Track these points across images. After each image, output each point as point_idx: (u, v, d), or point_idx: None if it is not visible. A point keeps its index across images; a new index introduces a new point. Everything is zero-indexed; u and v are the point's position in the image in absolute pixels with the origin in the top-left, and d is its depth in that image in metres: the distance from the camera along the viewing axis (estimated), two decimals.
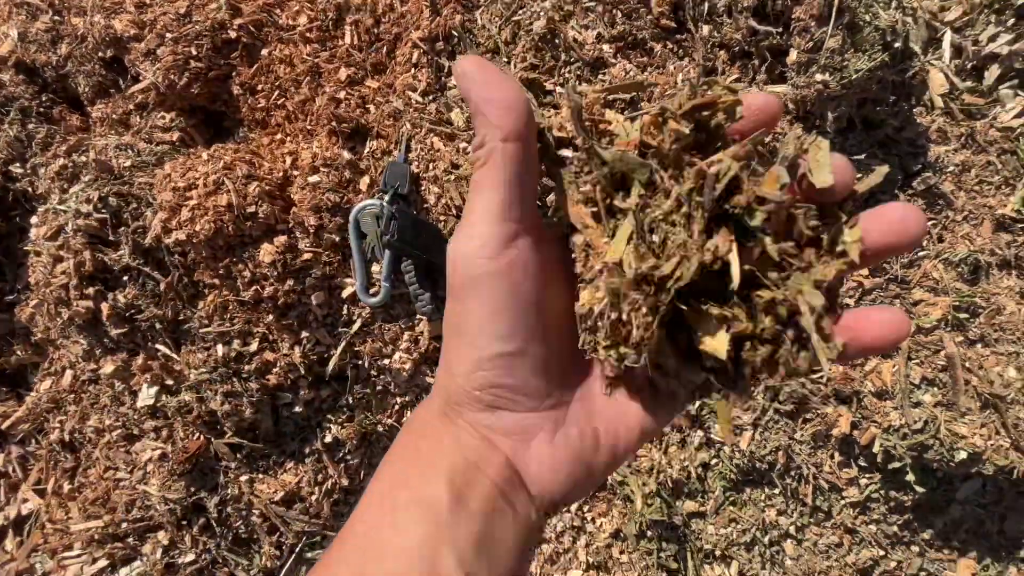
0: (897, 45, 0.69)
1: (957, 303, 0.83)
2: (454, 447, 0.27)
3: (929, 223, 0.85)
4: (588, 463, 0.28)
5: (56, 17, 0.92)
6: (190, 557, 0.83)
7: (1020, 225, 0.91)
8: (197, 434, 0.80)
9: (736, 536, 0.97)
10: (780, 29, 0.69)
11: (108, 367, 0.79)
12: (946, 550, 1.05)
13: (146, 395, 0.79)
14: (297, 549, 0.88)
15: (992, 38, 0.90)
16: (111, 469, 0.84)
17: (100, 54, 0.86)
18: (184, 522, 0.83)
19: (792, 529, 0.99)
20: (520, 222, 0.26)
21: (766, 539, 0.98)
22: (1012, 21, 0.89)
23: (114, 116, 0.86)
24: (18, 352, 0.93)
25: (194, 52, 0.82)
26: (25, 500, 0.88)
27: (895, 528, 1.01)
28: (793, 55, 0.68)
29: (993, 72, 0.91)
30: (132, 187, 0.77)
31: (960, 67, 0.92)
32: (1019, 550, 1.06)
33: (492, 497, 0.26)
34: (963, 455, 0.81)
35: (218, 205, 0.70)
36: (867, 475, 0.96)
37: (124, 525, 0.82)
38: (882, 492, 0.97)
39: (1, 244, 0.88)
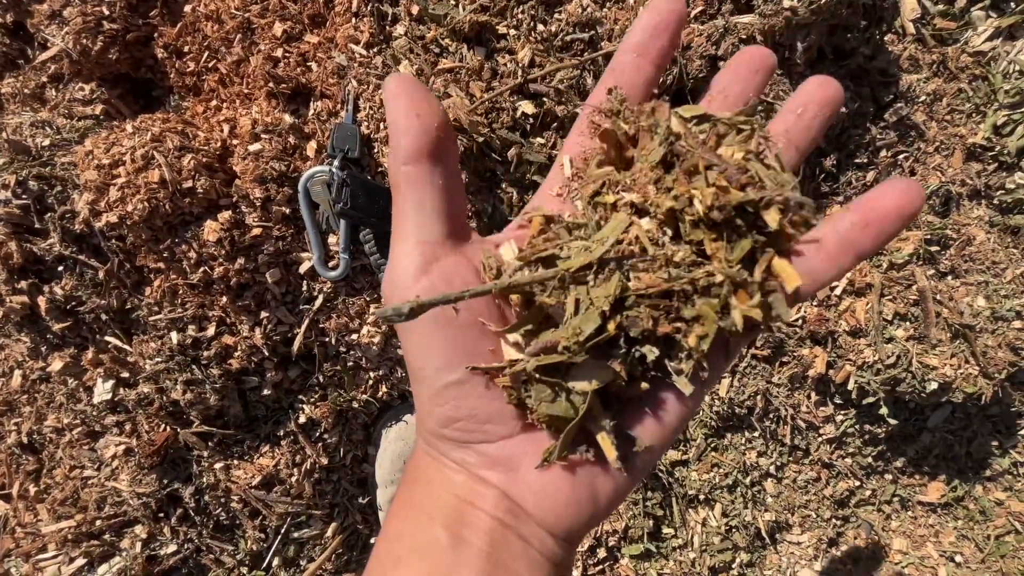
0: None
1: (928, 236, 0.83)
2: (444, 488, 0.26)
3: (901, 156, 0.83)
4: (590, 483, 0.26)
5: None
6: (172, 548, 0.82)
7: (990, 153, 0.90)
8: (163, 426, 0.77)
9: (719, 480, 0.99)
10: None
11: (56, 364, 0.75)
12: (917, 475, 1.10)
13: (102, 390, 0.75)
14: (283, 530, 0.87)
15: None
16: (76, 468, 0.81)
17: (1, 21, 0.76)
18: (161, 514, 0.81)
19: (772, 469, 1.02)
20: (440, 241, 0.25)
21: (747, 480, 1.01)
22: None
23: (26, 91, 0.78)
24: None
25: (106, 12, 0.74)
26: None
27: (869, 459, 1.04)
28: None
29: (968, 10, 0.88)
30: (54, 168, 0.70)
31: None
32: (985, 470, 1.11)
33: (492, 530, 0.25)
34: (934, 385, 0.83)
35: (150, 182, 0.64)
36: (842, 412, 0.98)
37: (98, 523, 0.80)
38: (857, 427, 1.00)
39: None
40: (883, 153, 0.82)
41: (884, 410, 0.90)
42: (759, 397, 0.93)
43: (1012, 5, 0.88)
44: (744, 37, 0.65)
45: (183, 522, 0.82)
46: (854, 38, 0.70)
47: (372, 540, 0.98)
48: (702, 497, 1.00)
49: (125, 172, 0.64)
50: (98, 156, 0.65)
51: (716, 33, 0.65)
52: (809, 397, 0.96)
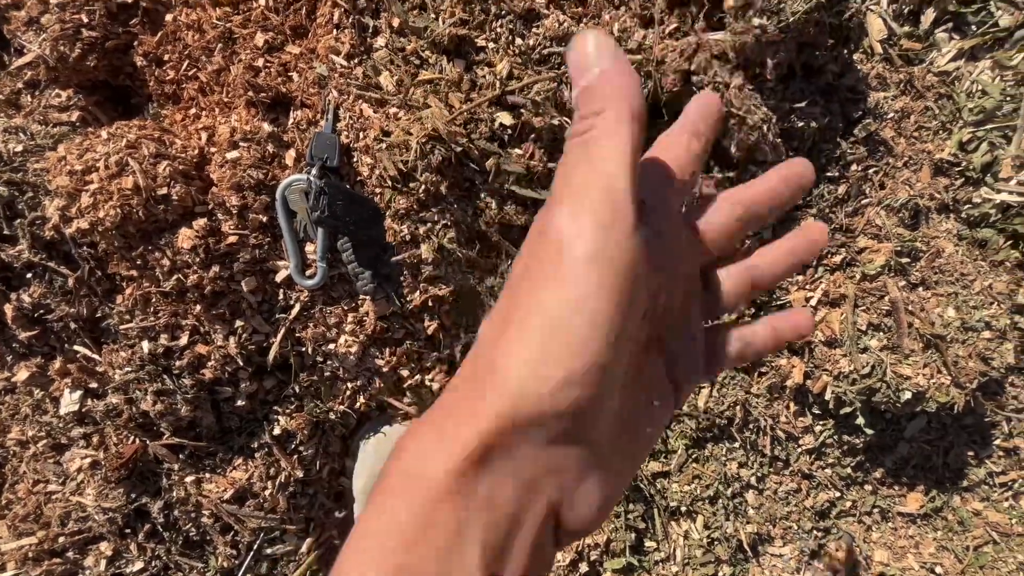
0: None
1: (899, 248, 0.85)
2: (488, 504, 0.20)
3: (871, 170, 0.85)
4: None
5: None
6: (138, 566, 0.79)
7: (957, 169, 0.92)
8: (131, 438, 0.75)
9: (700, 491, 0.99)
10: None
11: (22, 373, 0.73)
12: (896, 486, 1.11)
13: (69, 401, 0.73)
14: (255, 546, 0.84)
15: None
16: (40, 482, 0.78)
17: None
18: (127, 530, 0.78)
19: (753, 480, 1.02)
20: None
21: (729, 491, 1.00)
22: None
23: (0, 96, 0.77)
24: None
25: (85, 19, 0.74)
26: None
27: (848, 470, 1.05)
28: (729, 0, 0.65)
29: (929, 16, 0.91)
30: (26, 174, 0.69)
31: (897, 11, 0.92)
32: (962, 480, 1.12)
33: (530, 551, 0.21)
34: (908, 395, 0.84)
35: (123, 188, 0.64)
36: (821, 422, 0.98)
37: (61, 539, 0.77)
38: (835, 437, 1.00)
39: None
40: (853, 167, 0.84)
41: (861, 420, 0.91)
42: (738, 408, 0.93)
43: (973, 28, 0.92)
44: (716, 53, 0.67)
45: (151, 538, 0.79)
46: (822, 56, 0.72)
47: None
48: (684, 509, 1.00)
49: (98, 178, 0.64)
50: (71, 162, 0.64)
51: (689, 49, 0.67)
52: (788, 408, 0.96)
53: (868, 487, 1.09)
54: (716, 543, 1.02)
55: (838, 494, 1.07)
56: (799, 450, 1.00)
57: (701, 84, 0.67)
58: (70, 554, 0.77)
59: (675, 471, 0.98)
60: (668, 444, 0.97)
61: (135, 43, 0.78)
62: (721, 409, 0.93)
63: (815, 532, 1.07)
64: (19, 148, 0.71)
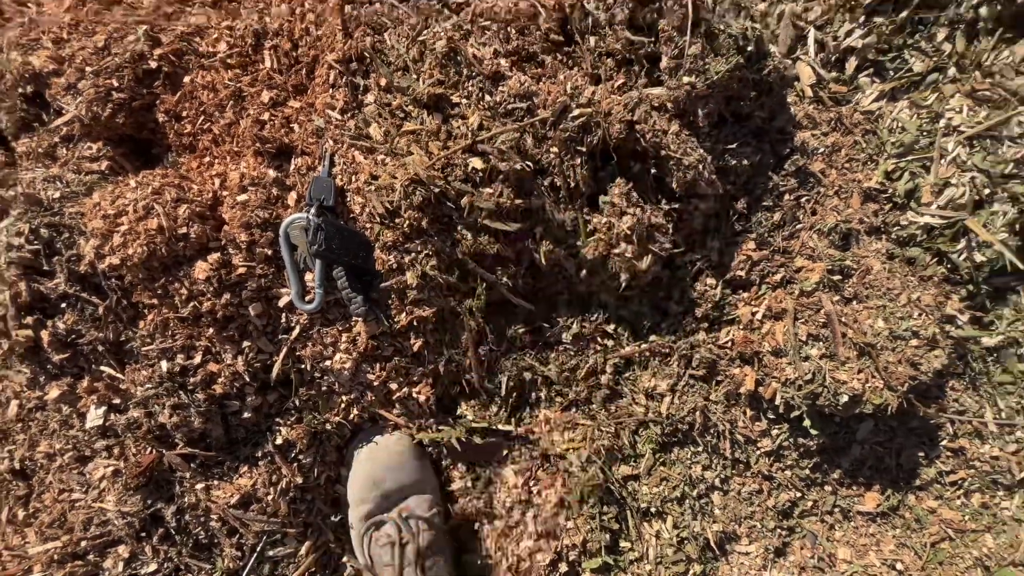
0: (750, 48, 0.80)
1: (831, 267, 0.96)
2: None
3: (803, 199, 0.97)
4: None
5: None
6: (152, 567, 0.87)
7: (884, 195, 1.04)
8: (149, 448, 0.84)
9: (668, 493, 1.07)
10: (652, 39, 0.78)
11: (54, 392, 0.82)
12: (854, 486, 1.19)
13: (94, 416, 0.82)
14: (258, 548, 0.92)
15: (848, 34, 1.03)
16: (65, 491, 0.87)
17: (20, 90, 0.88)
18: (143, 534, 0.87)
19: (717, 481, 1.10)
20: None
21: (694, 493, 1.09)
22: (863, 18, 1.03)
23: (40, 149, 0.89)
24: None
25: (116, 84, 0.86)
26: None
27: (807, 471, 1.13)
28: (664, 61, 0.77)
29: (852, 63, 1.04)
30: (63, 217, 0.80)
31: (825, 60, 1.05)
32: (915, 480, 1.20)
33: None
34: (845, 398, 0.94)
35: (149, 229, 0.74)
36: (776, 426, 1.07)
37: (83, 543, 0.85)
38: (791, 440, 1.09)
39: None
40: (786, 197, 0.95)
41: (807, 422, 1.00)
42: (698, 413, 1.03)
43: (891, 72, 1.05)
44: (655, 105, 0.79)
45: (164, 541, 0.88)
46: (748, 105, 0.84)
47: (344, 559, 1.04)
48: (654, 510, 1.08)
49: (128, 221, 0.75)
50: (104, 207, 0.75)
51: (632, 102, 0.79)
52: (744, 413, 1.06)
53: (828, 488, 1.17)
54: (686, 542, 1.10)
55: (799, 494, 1.15)
56: (758, 453, 1.09)
57: (643, 132, 0.79)
58: (91, 557, 0.86)
59: (644, 474, 1.07)
60: (637, 448, 1.06)
61: (157, 102, 0.90)
62: (682, 415, 1.03)
63: (779, 531, 1.15)
64: (57, 195, 0.82)
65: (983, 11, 0.96)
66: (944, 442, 1.19)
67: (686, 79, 0.76)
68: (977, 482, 1.20)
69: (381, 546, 0.95)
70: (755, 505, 1.13)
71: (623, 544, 1.10)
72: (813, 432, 1.02)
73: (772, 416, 1.06)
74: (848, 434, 1.14)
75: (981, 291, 1.07)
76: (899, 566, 1.20)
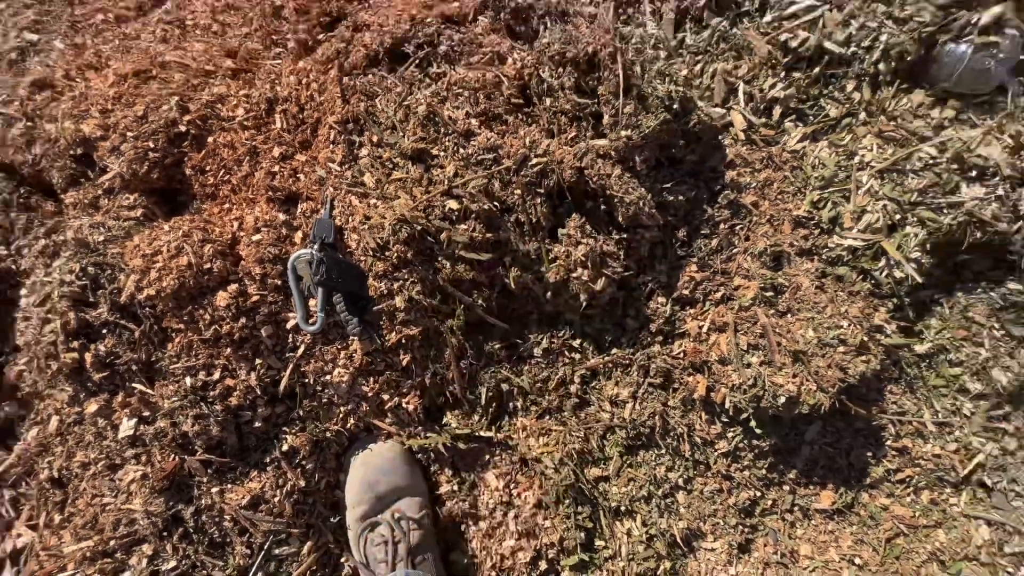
0: (676, 107, 0.97)
1: (764, 285, 1.10)
2: None
3: (737, 227, 1.12)
4: None
5: (29, 123, 1.11)
6: (172, 564, 0.98)
7: (812, 222, 1.20)
8: (172, 455, 0.97)
9: (636, 492, 1.19)
10: (595, 100, 0.95)
11: (92, 407, 0.96)
12: (810, 485, 1.30)
13: (126, 427, 0.96)
14: (265, 546, 1.04)
15: (772, 86, 1.20)
16: (97, 496, 0.99)
17: (71, 152, 1.05)
18: (165, 533, 0.98)
19: (680, 481, 1.21)
20: None
21: (660, 492, 1.20)
22: (783, 73, 1.21)
23: (85, 200, 1.05)
24: (6, 409, 1.07)
25: (152, 145, 1.03)
26: (19, 535, 1.01)
27: (763, 471, 1.24)
28: (605, 118, 0.94)
29: (777, 111, 1.22)
30: (106, 257, 0.96)
31: (755, 108, 1.22)
32: (866, 478, 1.31)
33: None
34: (783, 399, 1.06)
35: (180, 265, 0.90)
36: (730, 429, 1.20)
37: (112, 542, 0.97)
38: (745, 442, 1.21)
39: None
40: (721, 226, 1.11)
41: (754, 423, 1.13)
42: (657, 418, 1.15)
43: (811, 117, 1.22)
44: (600, 154, 0.96)
45: (183, 540, 0.99)
46: (679, 151, 1.01)
47: (343, 559, 1.14)
48: (624, 509, 1.19)
49: (162, 259, 0.90)
50: (143, 247, 0.91)
51: (581, 152, 0.95)
52: (700, 417, 1.18)
53: (786, 487, 1.28)
54: (655, 539, 1.20)
55: (758, 493, 1.26)
56: (716, 454, 1.21)
57: (591, 176, 0.95)
58: (118, 555, 0.97)
59: (613, 475, 1.18)
60: (605, 451, 1.18)
61: (186, 159, 1.07)
62: (644, 419, 1.15)
63: (741, 527, 1.25)
64: (101, 238, 0.97)
65: (881, 67, 1.14)
66: (889, 442, 1.30)
67: (623, 132, 0.92)
68: (924, 479, 1.30)
69: (376, 545, 1.06)
70: (717, 503, 1.24)
71: (598, 542, 1.21)
72: (758, 431, 1.14)
73: (725, 419, 1.18)
74: (798, 435, 1.26)
75: (905, 304, 1.21)
76: (858, 560, 1.30)
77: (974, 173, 1.11)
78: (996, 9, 1.04)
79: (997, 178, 1.10)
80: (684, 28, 1.22)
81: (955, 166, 1.11)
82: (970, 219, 1.12)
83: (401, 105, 1.00)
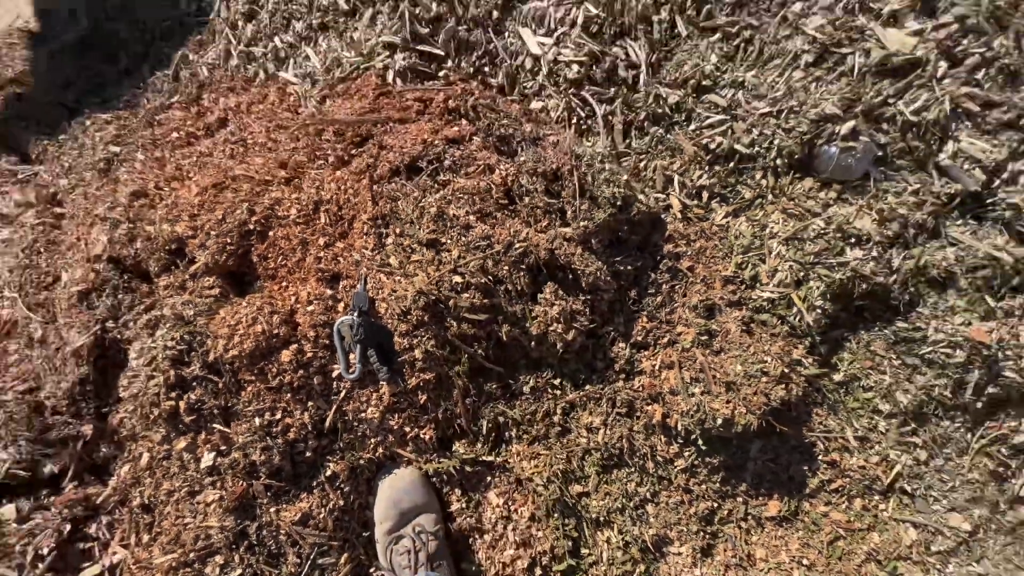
0: (619, 203, 1.32)
1: (700, 331, 1.41)
2: None
3: (676, 286, 1.45)
4: None
5: (131, 225, 1.45)
6: (238, 572, 1.23)
7: (738, 279, 1.52)
8: (241, 481, 1.24)
9: (612, 504, 1.44)
10: (560, 200, 1.30)
11: (181, 443, 1.23)
12: (759, 496, 1.56)
13: (207, 459, 1.23)
14: (311, 557, 1.28)
15: (699, 177, 1.57)
16: (180, 517, 1.25)
17: (167, 247, 1.38)
18: (233, 546, 1.23)
19: (648, 494, 1.47)
20: None
21: (632, 504, 1.45)
22: (708, 167, 1.57)
23: (175, 284, 1.37)
24: (103, 449, 1.34)
25: (229, 241, 1.36)
26: (115, 553, 1.26)
27: (717, 484, 1.51)
28: (568, 213, 1.29)
29: (705, 195, 1.58)
30: (196, 326, 1.27)
31: (688, 193, 1.58)
32: (805, 489, 1.57)
33: None
34: (721, 420, 1.35)
35: (256, 331, 1.20)
36: (686, 449, 1.47)
37: (192, 555, 1.22)
38: (699, 459, 1.48)
39: (100, 372, 1.33)
40: (664, 286, 1.43)
41: (702, 443, 1.40)
42: (625, 441, 1.43)
43: (731, 199, 1.58)
44: (566, 238, 1.29)
45: (248, 551, 1.24)
46: (624, 233, 1.35)
47: (372, 570, 1.38)
48: (602, 520, 1.44)
49: (243, 327, 1.21)
50: (227, 319, 1.22)
51: (551, 236, 1.29)
52: (660, 439, 1.46)
53: (739, 498, 1.54)
54: (630, 545, 1.45)
55: (715, 504, 1.52)
56: (676, 470, 1.48)
57: (560, 255, 1.28)
58: (196, 565, 1.21)
59: (592, 491, 1.44)
60: (584, 471, 1.44)
61: (252, 249, 1.40)
62: (614, 442, 1.43)
63: (702, 534, 1.50)
64: (192, 312, 1.29)
65: (778, 162, 1.51)
66: (820, 456, 1.57)
67: (582, 223, 1.26)
68: (854, 488, 1.57)
69: (400, 555, 1.31)
70: (680, 513, 1.49)
71: (583, 550, 1.45)
72: (705, 449, 1.41)
73: (680, 441, 1.46)
74: (743, 453, 1.53)
75: (817, 342, 1.52)
76: (805, 562, 1.54)
77: (854, 240, 1.46)
78: (850, 123, 1.42)
79: (871, 243, 1.44)
80: (630, 135, 1.61)
81: (839, 234, 1.46)
82: (855, 274, 1.45)
83: (417, 206, 1.35)
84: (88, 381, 1.30)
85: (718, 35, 1.56)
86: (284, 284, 1.38)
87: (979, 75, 1.44)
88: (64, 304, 1.38)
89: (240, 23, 2.02)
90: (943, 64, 1.44)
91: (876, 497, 1.59)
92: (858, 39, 1.47)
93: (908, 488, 1.59)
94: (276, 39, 1.94)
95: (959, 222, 1.50)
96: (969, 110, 1.44)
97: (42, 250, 1.55)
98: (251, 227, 1.40)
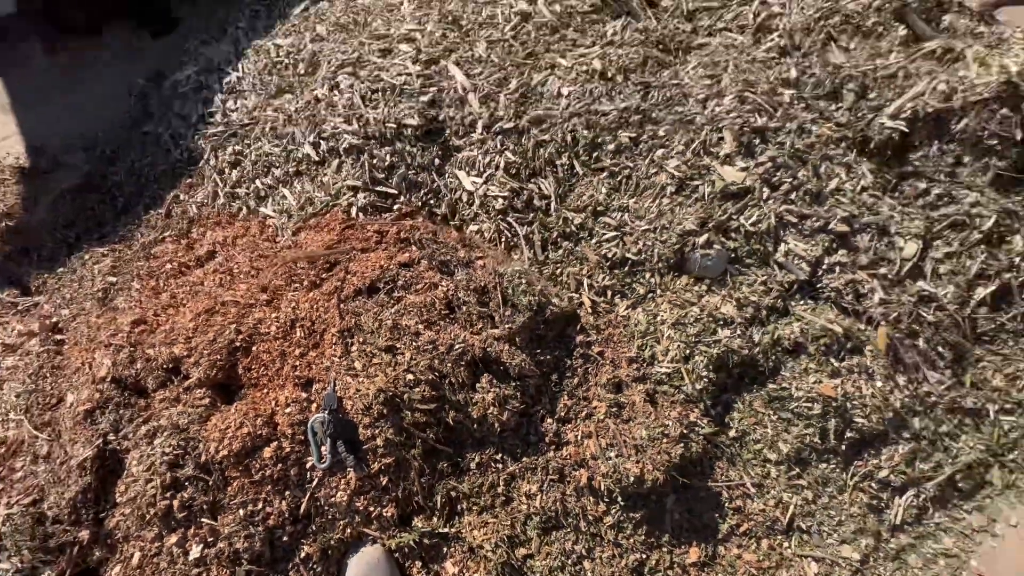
0: (535, 308, 1.70)
1: (610, 404, 1.75)
2: None
3: (589, 369, 1.80)
4: None
5: (132, 349, 1.72)
6: None
7: (641, 359, 1.89)
8: (225, 568, 1.43)
9: (553, 563, 1.67)
10: (489, 309, 1.67)
11: (172, 539, 1.43)
12: (682, 545, 1.81)
13: (195, 551, 1.43)
14: None
15: (603, 279, 1.99)
16: None
17: (164, 366, 1.65)
18: None
19: (584, 551, 1.71)
20: None
21: (570, 562, 1.69)
22: (609, 271, 2.00)
23: (171, 397, 1.63)
24: (97, 553, 1.51)
25: (219, 358, 1.65)
26: None
27: (643, 537, 1.76)
28: (496, 318, 1.65)
29: (609, 292, 1.99)
30: (189, 433, 1.51)
31: (596, 292, 1.99)
32: (718, 534, 1.84)
33: None
34: (633, 479, 1.64)
35: (243, 434, 1.46)
36: (612, 507, 1.74)
37: None
38: (624, 515, 1.75)
39: (101, 480, 1.53)
40: (579, 369, 1.79)
41: (622, 500, 1.68)
42: (559, 504, 1.69)
43: (629, 295, 1.99)
44: (496, 337, 1.65)
45: None
46: (543, 330, 1.72)
47: None
48: None
49: (231, 430, 1.47)
50: (219, 424, 1.48)
51: (485, 337, 1.65)
52: (589, 500, 1.73)
53: (664, 548, 1.80)
54: None
55: (644, 555, 1.76)
56: (605, 527, 1.73)
57: (491, 351, 1.63)
58: None
59: (535, 552, 1.67)
60: (527, 534, 1.68)
61: (238, 362, 1.69)
62: (550, 506, 1.69)
63: None
64: (185, 421, 1.54)
65: (660, 264, 1.95)
66: (727, 504, 1.87)
67: (507, 325, 1.63)
68: (759, 530, 1.85)
69: None
70: (614, 566, 1.73)
71: None
72: (625, 504, 1.69)
73: (606, 500, 1.73)
74: (661, 507, 1.81)
75: (709, 405, 1.88)
76: None
77: (723, 321, 1.87)
78: (706, 235, 1.89)
79: (735, 324, 1.86)
80: (547, 249, 2.04)
81: (711, 318, 1.87)
82: (727, 349, 1.85)
83: (377, 319, 1.69)
84: (90, 489, 1.50)
85: (606, 173, 2.07)
86: (265, 391, 1.65)
87: (792, 196, 1.96)
88: (70, 422, 1.60)
89: (227, 169, 2.44)
90: (766, 190, 1.96)
91: (779, 536, 1.88)
92: (705, 174, 1.99)
93: (803, 525, 1.89)
94: (258, 181, 2.36)
95: (800, 303, 1.95)
96: (790, 221, 1.95)
97: (47, 375, 1.79)
98: (238, 344, 1.70)
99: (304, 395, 1.61)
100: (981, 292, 2.03)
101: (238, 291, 1.87)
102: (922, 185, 2.05)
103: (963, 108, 2.00)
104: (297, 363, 1.67)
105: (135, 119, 3.10)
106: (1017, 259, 2.04)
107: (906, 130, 2.01)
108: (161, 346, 1.67)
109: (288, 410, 1.56)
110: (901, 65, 2.10)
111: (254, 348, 1.71)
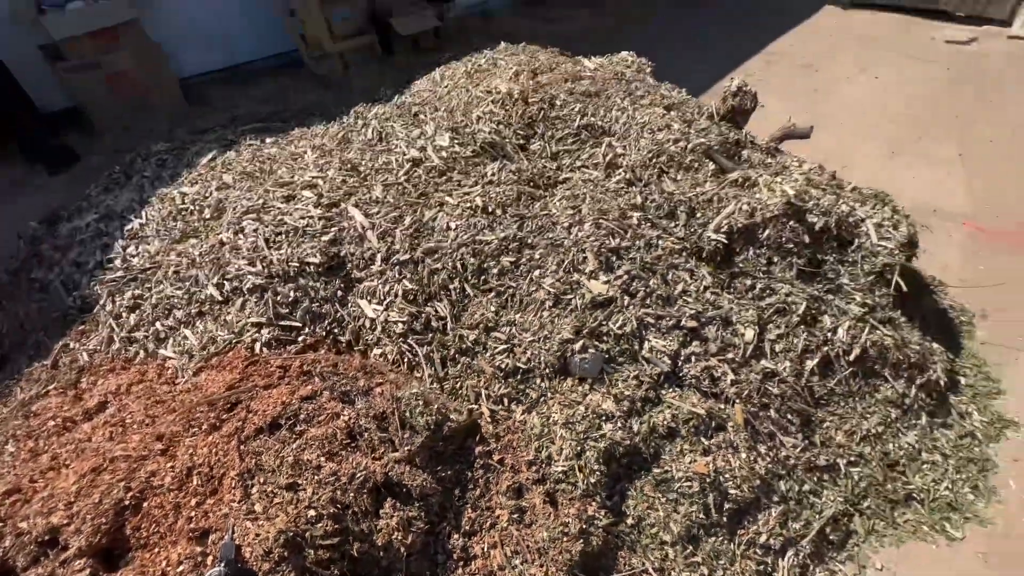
0: (433, 427, 1.85)
1: (512, 511, 1.86)
2: None
3: (490, 478, 1.93)
4: None
5: (1, 524, 1.61)
6: None
7: (539, 461, 2.05)
8: None
9: None
10: (388, 432, 1.79)
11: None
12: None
13: None
14: None
15: (499, 388, 2.19)
16: None
17: (38, 540, 1.56)
18: None
19: None
20: None
21: None
22: (504, 380, 2.21)
23: (44, 574, 1.52)
24: None
25: (104, 521, 1.59)
26: None
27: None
28: (396, 440, 1.77)
29: (506, 400, 2.18)
30: None
31: (494, 401, 2.17)
32: (695, 549, 1.92)
33: None
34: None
35: None
36: None
37: None
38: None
39: None
40: (480, 480, 1.91)
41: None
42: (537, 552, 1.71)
43: (523, 400, 2.20)
44: (396, 460, 1.75)
45: None
46: (441, 447, 1.85)
47: None
48: None
49: None
50: None
51: (386, 462, 1.74)
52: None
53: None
54: None
55: None
56: None
57: (393, 474, 1.72)
58: None
59: None
60: None
61: (127, 523, 1.63)
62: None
63: None
64: None
65: (547, 370, 2.19)
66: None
67: (406, 447, 1.75)
68: None
69: None
70: None
71: None
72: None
73: None
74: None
75: (605, 496, 2.05)
76: None
77: (605, 416, 2.11)
78: (582, 341, 2.19)
79: (616, 417, 2.11)
80: (447, 366, 2.22)
81: (595, 415, 2.11)
82: (612, 441, 2.07)
83: (278, 456, 1.74)
84: None
85: (493, 293, 2.36)
86: (156, 550, 1.60)
87: (648, 300, 2.35)
88: None
89: (124, 313, 2.45)
90: (627, 298, 2.34)
91: None
92: (576, 288, 2.34)
93: None
94: (158, 324, 2.39)
95: (669, 391, 2.26)
96: (649, 322, 2.31)
97: None
98: (127, 503, 1.65)
99: (199, 549, 1.57)
100: (810, 364, 2.46)
101: (130, 443, 1.83)
102: (748, 282, 2.54)
103: (763, 222, 2.56)
104: (193, 514, 1.65)
105: (23, 264, 3.03)
106: (829, 334, 2.53)
107: (726, 241, 2.53)
108: (37, 516, 1.59)
109: (180, 569, 1.52)
110: (715, 192, 2.68)
111: (145, 504, 1.67)
